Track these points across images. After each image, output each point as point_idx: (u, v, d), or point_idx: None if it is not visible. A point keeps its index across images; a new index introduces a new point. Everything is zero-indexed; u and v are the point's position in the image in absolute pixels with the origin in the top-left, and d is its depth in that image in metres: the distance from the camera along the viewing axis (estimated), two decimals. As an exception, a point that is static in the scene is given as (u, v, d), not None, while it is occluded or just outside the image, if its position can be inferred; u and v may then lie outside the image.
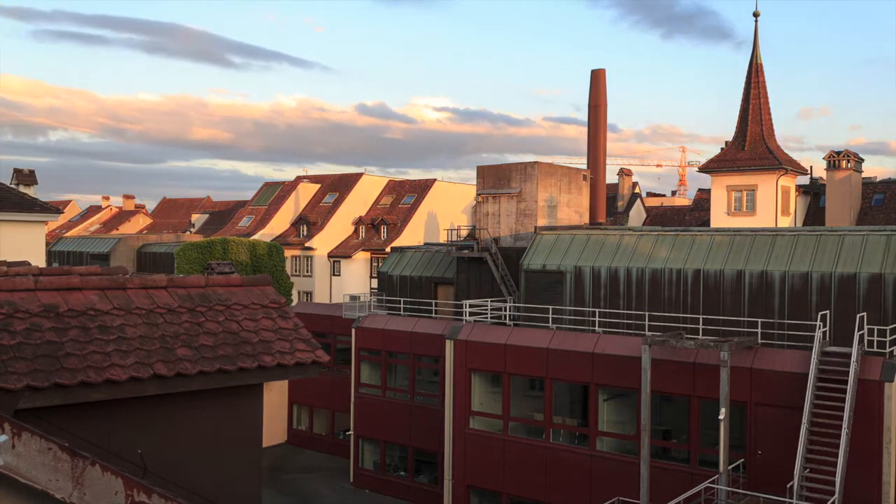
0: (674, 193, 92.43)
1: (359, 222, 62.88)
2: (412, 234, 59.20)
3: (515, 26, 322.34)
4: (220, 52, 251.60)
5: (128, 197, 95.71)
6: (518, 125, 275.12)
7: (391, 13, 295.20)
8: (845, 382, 20.00)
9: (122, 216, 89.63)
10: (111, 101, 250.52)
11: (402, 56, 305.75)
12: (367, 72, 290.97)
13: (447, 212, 62.83)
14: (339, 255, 60.66)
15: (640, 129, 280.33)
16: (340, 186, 65.74)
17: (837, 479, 18.65)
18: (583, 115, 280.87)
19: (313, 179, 69.16)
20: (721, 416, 20.61)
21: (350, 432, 34.50)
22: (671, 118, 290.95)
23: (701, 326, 23.92)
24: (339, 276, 60.32)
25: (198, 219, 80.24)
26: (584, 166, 40.82)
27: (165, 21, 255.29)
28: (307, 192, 66.25)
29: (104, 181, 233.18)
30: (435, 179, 64.86)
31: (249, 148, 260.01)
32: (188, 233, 71.94)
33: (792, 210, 45.59)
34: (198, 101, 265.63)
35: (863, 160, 45.68)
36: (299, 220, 63.31)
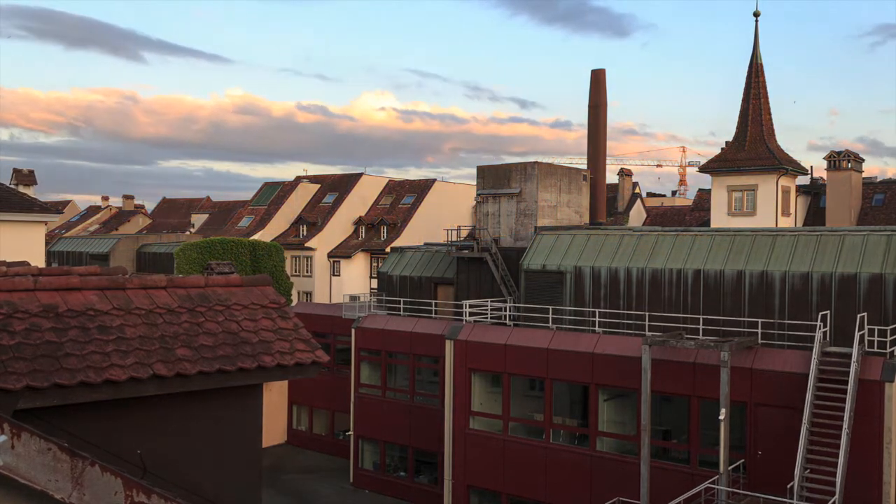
0: (674, 193, 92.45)
1: (359, 222, 62.86)
2: (412, 234, 59.17)
3: (413, 25, 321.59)
4: (135, 49, 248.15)
5: (127, 197, 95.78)
6: (466, 123, 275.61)
7: (278, 9, 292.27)
8: (845, 383, 19.99)
9: (122, 216, 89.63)
10: (50, 99, 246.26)
11: (307, 52, 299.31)
12: (293, 68, 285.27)
13: (447, 212, 62.81)
14: (338, 255, 60.64)
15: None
16: (340, 186, 65.72)
17: (838, 480, 18.64)
18: (532, 114, 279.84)
19: (313, 179, 69.14)
20: (721, 417, 20.60)
21: (350, 432, 34.49)
22: (620, 115, 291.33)
23: (701, 327, 23.91)
24: (338, 276, 60.30)
25: (197, 219, 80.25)
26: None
27: (54, 9, 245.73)
28: (307, 192, 66.22)
29: (82, 182, 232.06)
30: (435, 180, 64.87)
31: (209, 146, 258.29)
32: (188, 233, 71.94)
33: (792, 210, 45.59)
34: (131, 96, 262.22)
35: (863, 160, 45.70)
36: (299, 221, 63.28)
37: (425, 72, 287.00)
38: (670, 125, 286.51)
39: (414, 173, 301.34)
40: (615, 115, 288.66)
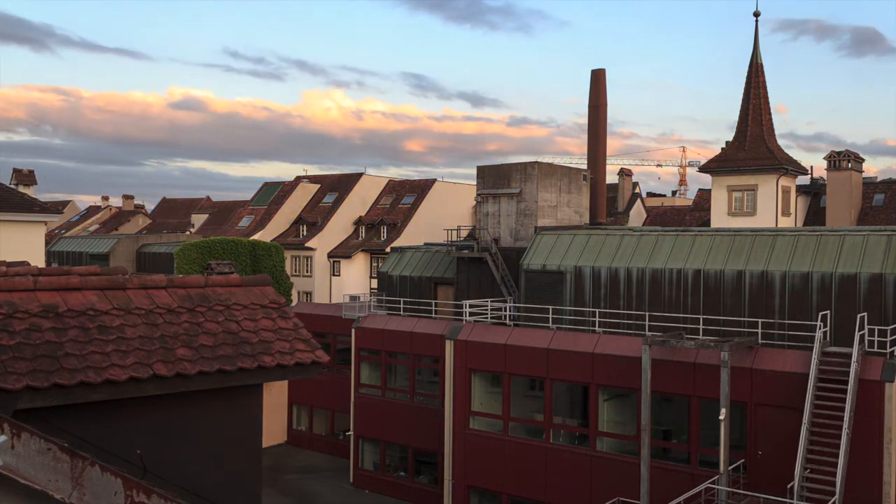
0: (674, 193, 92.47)
1: (359, 222, 62.87)
2: (412, 234, 59.19)
3: (323, 23, 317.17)
4: (56, 46, 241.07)
5: (127, 197, 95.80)
6: (419, 121, 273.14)
7: (180, 5, 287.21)
8: (846, 383, 20.00)
9: (122, 216, 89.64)
10: None
11: (230, 49, 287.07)
12: (222, 64, 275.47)
13: (447, 212, 62.83)
14: (338, 255, 60.65)
15: (572, 123, 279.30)
16: (340, 186, 65.73)
17: (838, 480, 18.64)
18: (485, 112, 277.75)
19: (313, 179, 69.18)
20: (721, 417, 20.60)
21: (350, 432, 34.49)
22: (579, 111, 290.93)
23: (701, 326, 23.91)
24: (338, 276, 60.31)
25: (197, 219, 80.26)
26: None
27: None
28: (307, 192, 66.24)
29: (68, 182, 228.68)
30: (435, 180, 64.89)
31: (170, 144, 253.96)
32: (188, 233, 71.94)
33: (792, 210, 45.58)
34: (73, 94, 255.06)
35: (863, 160, 45.70)
36: (299, 221, 63.29)
37: (362, 69, 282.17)
38: (628, 122, 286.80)
39: (394, 172, 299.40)
40: (574, 114, 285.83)
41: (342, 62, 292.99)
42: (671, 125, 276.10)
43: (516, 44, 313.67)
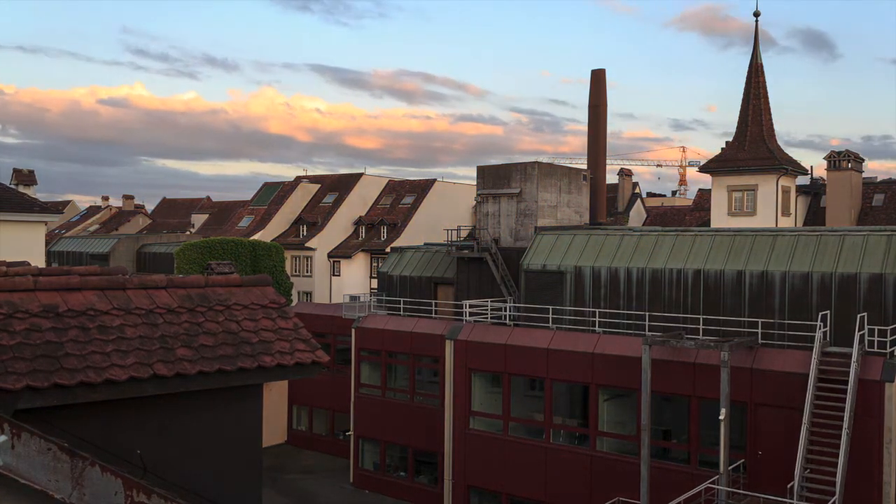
0: (674, 193, 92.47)
1: (359, 222, 62.86)
2: (412, 234, 59.16)
3: (206, 18, 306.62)
4: None
5: (127, 197, 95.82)
6: (356, 119, 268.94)
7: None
8: (846, 383, 20.00)
9: (122, 216, 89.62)
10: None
11: (128, 45, 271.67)
12: (127, 62, 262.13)
13: (447, 212, 62.80)
14: (338, 255, 60.63)
15: (520, 119, 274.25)
16: (340, 186, 65.73)
17: (838, 480, 18.64)
18: (420, 110, 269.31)
19: (313, 179, 69.19)
20: (721, 417, 20.61)
21: (350, 432, 34.49)
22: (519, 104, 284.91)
23: (701, 326, 23.91)
24: (338, 276, 60.30)
25: (197, 219, 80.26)
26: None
27: None
28: (307, 192, 66.24)
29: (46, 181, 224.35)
30: (435, 180, 64.86)
31: (126, 142, 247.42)
32: (188, 233, 71.94)
33: (792, 210, 45.58)
34: None
35: (863, 160, 45.69)
36: (299, 221, 63.28)
37: (276, 65, 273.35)
38: (582, 120, 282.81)
39: (372, 170, 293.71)
40: (514, 110, 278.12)
41: (251, 58, 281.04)
42: (617, 124, 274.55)
43: (413, 39, 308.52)
